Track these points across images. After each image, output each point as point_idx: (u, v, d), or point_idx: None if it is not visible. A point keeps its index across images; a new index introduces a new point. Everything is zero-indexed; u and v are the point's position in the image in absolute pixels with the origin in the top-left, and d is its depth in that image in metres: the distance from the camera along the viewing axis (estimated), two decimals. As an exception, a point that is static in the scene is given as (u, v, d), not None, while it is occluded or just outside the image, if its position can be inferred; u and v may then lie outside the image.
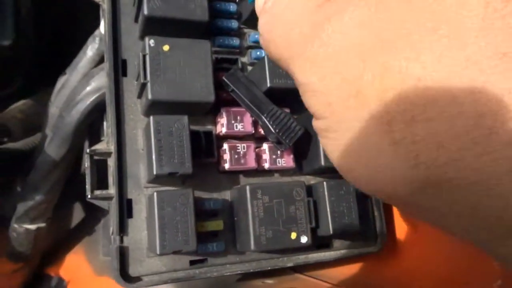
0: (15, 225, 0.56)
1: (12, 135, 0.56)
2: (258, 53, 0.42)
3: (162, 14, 0.35)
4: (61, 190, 0.56)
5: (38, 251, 0.61)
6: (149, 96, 0.34)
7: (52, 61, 0.60)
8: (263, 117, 0.37)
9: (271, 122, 0.37)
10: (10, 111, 0.57)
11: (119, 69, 0.38)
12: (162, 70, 0.35)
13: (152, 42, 0.35)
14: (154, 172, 0.32)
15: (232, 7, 0.42)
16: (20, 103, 0.58)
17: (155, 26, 0.37)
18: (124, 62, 0.38)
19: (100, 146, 0.38)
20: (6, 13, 0.48)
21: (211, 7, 0.41)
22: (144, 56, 0.35)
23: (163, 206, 0.33)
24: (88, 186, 0.36)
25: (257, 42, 0.42)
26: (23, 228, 0.56)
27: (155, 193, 0.33)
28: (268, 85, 0.37)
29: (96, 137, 0.47)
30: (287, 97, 0.40)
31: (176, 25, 0.37)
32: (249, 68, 0.43)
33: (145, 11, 0.35)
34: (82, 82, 0.50)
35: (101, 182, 0.37)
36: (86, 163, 0.36)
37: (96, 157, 0.37)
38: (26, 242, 0.58)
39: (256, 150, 0.40)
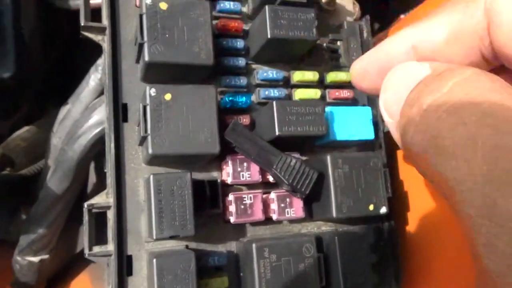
0: (18, 258, 0.55)
1: (15, 165, 0.55)
2: (266, 92, 0.39)
3: (164, 59, 0.33)
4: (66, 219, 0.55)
5: (43, 279, 0.60)
6: (150, 151, 0.32)
7: (57, 86, 0.58)
8: (273, 170, 0.35)
9: (282, 174, 0.35)
10: (13, 140, 0.56)
11: (119, 114, 0.36)
12: (164, 121, 0.32)
13: (153, 91, 0.32)
14: (154, 237, 0.30)
15: (240, 43, 0.39)
16: (23, 130, 0.57)
17: (157, 71, 0.35)
18: (124, 106, 0.36)
19: (99, 199, 0.36)
20: (8, 44, 0.46)
21: (217, 44, 0.38)
22: (144, 107, 0.32)
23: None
24: (86, 243, 0.34)
25: (266, 80, 0.40)
26: (26, 260, 0.55)
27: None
28: (277, 133, 0.35)
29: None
30: (295, 142, 0.38)
31: (180, 70, 0.35)
32: (257, 106, 0.40)
33: (146, 57, 0.32)
34: (84, 115, 0.48)
35: (101, 234, 0.35)
36: (84, 218, 0.34)
37: (95, 210, 0.35)
38: (30, 273, 0.57)
39: (264, 196, 0.38)
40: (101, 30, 0.37)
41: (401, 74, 0.19)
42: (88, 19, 0.37)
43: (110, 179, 0.35)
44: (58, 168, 0.50)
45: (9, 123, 0.54)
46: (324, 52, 0.44)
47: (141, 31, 0.33)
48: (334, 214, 0.35)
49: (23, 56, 0.48)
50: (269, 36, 0.35)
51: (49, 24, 0.53)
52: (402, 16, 0.62)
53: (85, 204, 0.34)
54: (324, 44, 0.44)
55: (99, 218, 0.36)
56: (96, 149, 0.47)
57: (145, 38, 0.33)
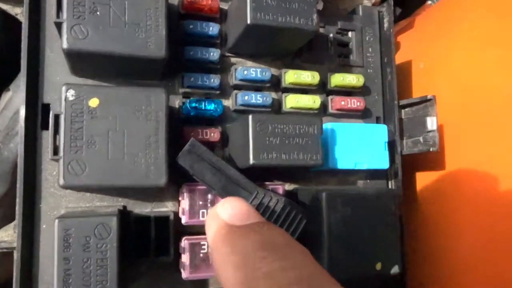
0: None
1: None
2: (246, 97, 0.29)
3: (91, 48, 0.23)
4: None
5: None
6: (61, 181, 0.22)
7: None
8: None
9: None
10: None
11: (38, 118, 0.26)
12: (85, 138, 0.22)
13: (71, 94, 0.22)
14: (52, 314, 0.21)
15: (213, 29, 0.28)
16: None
17: (87, 63, 0.25)
18: (45, 107, 0.26)
19: (3, 234, 0.26)
20: None
21: (181, 28, 0.28)
22: (56, 117, 0.22)
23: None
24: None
25: (247, 80, 0.29)
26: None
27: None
28: (251, 162, 0.25)
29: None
30: (276, 171, 0.28)
31: (119, 63, 0.24)
32: (234, 115, 0.30)
33: (64, 43, 0.22)
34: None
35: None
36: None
37: (-4, 250, 0.25)
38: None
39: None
40: (18, 1, 0.26)
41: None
42: (2, -16, 0.26)
43: (18, 208, 0.25)
44: (-6, 170, 0.40)
45: None
46: (330, 46, 0.33)
47: (59, 5, 0.23)
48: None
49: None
50: (248, 22, 0.25)
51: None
52: (429, 2, 0.51)
53: (-23, 245, 0.25)
54: (331, 35, 0.33)
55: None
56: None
57: (64, 16, 0.22)
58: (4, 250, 0.26)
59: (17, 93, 0.42)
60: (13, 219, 0.27)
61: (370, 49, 0.34)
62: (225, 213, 0.19)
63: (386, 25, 0.35)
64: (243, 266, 0.17)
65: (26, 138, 0.25)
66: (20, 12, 0.27)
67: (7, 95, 0.43)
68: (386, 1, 0.35)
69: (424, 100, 0.33)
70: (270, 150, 0.25)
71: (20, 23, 0.27)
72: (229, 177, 0.25)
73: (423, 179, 0.38)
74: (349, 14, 0.34)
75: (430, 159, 0.36)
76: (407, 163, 0.35)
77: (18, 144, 0.39)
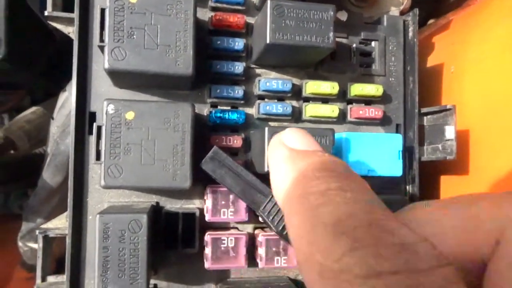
0: (20, 243, 0.53)
1: (17, 148, 0.53)
2: (267, 107, 0.32)
3: (128, 67, 0.26)
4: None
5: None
6: (102, 182, 0.26)
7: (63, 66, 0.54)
8: (260, 212, 0.27)
9: (270, 218, 0.27)
10: (18, 121, 0.53)
11: (85, 125, 0.30)
12: (123, 146, 0.26)
13: (111, 108, 0.26)
14: (94, 293, 0.25)
15: (239, 44, 0.31)
16: (30, 111, 0.54)
17: (124, 78, 0.28)
18: (92, 116, 0.30)
19: (57, 222, 0.31)
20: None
21: (209, 44, 0.31)
22: (99, 128, 0.26)
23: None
24: (38, 272, 0.30)
25: (269, 91, 0.32)
26: (28, 247, 0.54)
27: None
28: (266, 169, 0.27)
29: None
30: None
31: (152, 79, 0.28)
32: (257, 122, 0.33)
33: (106, 64, 0.26)
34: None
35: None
36: (38, 244, 0.30)
37: (52, 235, 0.30)
38: (33, 257, 0.56)
39: (255, 232, 0.31)
40: (70, 22, 0.30)
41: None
42: (58, 7, 0.31)
43: (69, 201, 0.29)
44: (52, 161, 0.46)
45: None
46: (353, 55, 0.35)
47: (102, 31, 0.26)
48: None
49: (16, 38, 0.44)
50: (268, 41, 0.27)
51: None
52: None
53: (37, 231, 0.30)
54: (354, 45, 0.34)
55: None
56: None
57: (106, 40, 0.26)
58: (59, 235, 0.30)
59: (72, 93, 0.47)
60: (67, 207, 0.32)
61: (393, 58, 0.35)
62: (289, 139, 0.20)
63: (410, 34, 0.35)
64: (300, 182, 0.17)
65: (75, 143, 0.29)
66: (71, 31, 0.31)
67: (63, 95, 0.48)
68: (412, 10, 0.36)
69: (444, 109, 0.34)
70: (284, 159, 0.27)
71: (68, 38, 0.31)
72: (247, 181, 0.28)
73: (447, 185, 0.39)
74: (373, 24, 0.36)
75: (453, 164, 0.37)
76: (428, 169, 0.36)
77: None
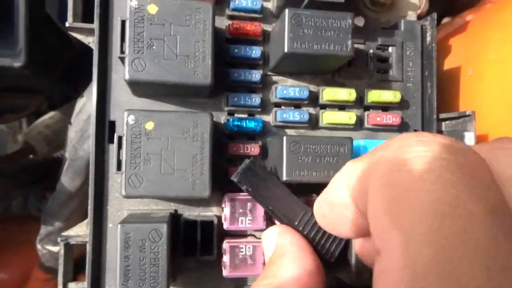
0: (39, 246, 0.54)
1: (37, 152, 0.54)
2: (284, 115, 0.32)
3: (148, 78, 0.26)
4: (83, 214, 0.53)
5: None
6: (123, 192, 0.26)
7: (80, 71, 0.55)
8: (296, 226, 0.27)
9: (305, 233, 0.26)
10: (36, 127, 0.54)
11: (105, 133, 0.30)
12: (143, 156, 0.26)
13: (132, 118, 0.26)
14: (115, 302, 0.25)
15: (256, 52, 0.31)
16: (48, 116, 0.55)
17: (144, 88, 0.29)
18: (112, 124, 0.30)
19: (78, 229, 0.31)
20: (18, 35, 0.42)
21: (227, 52, 0.31)
22: (119, 138, 0.27)
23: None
24: (60, 279, 0.30)
25: (286, 98, 0.32)
26: (46, 250, 0.55)
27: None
28: (285, 178, 0.27)
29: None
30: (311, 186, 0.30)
31: (171, 88, 0.28)
32: (274, 130, 0.33)
33: (126, 75, 0.26)
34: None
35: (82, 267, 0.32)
36: (60, 251, 0.30)
37: (73, 243, 0.31)
38: (52, 260, 0.57)
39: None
40: (90, 32, 0.31)
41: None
42: (78, 18, 0.31)
43: (89, 209, 0.30)
44: (70, 165, 0.47)
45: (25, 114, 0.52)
46: (370, 61, 0.34)
47: (122, 42, 0.26)
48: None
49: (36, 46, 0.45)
50: (285, 51, 0.27)
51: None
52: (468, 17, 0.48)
53: (58, 238, 0.30)
54: (371, 51, 0.34)
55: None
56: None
57: (127, 51, 0.26)
58: (80, 243, 0.31)
59: (90, 99, 0.48)
60: (85, 212, 0.32)
61: (410, 63, 0.35)
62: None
63: (428, 39, 0.35)
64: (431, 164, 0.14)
65: (96, 152, 0.30)
66: (91, 41, 0.31)
67: (81, 101, 0.49)
68: (430, 15, 0.35)
69: (463, 116, 0.33)
70: (302, 168, 0.27)
71: (86, 45, 0.32)
72: (281, 196, 0.27)
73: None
74: (390, 29, 0.35)
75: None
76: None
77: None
